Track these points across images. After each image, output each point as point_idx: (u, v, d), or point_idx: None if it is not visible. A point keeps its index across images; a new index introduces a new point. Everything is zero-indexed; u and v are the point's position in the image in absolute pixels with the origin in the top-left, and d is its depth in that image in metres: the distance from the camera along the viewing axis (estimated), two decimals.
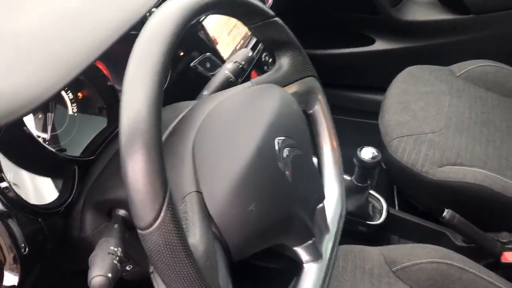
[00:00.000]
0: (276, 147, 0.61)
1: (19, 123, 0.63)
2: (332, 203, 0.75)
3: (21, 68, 0.55)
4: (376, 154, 1.05)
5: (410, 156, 1.22)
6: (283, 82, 0.73)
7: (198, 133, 0.60)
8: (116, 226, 0.59)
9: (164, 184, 0.46)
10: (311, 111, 0.77)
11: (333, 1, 1.65)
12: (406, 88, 1.43)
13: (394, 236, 1.29)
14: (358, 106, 1.72)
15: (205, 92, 0.79)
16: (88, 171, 0.69)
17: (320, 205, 0.70)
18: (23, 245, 0.56)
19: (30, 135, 0.64)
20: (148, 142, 0.45)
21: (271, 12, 0.68)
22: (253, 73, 1.03)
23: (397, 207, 1.38)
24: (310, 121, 0.77)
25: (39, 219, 0.60)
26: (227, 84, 0.79)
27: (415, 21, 1.61)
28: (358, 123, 1.69)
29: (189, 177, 0.56)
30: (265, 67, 1.06)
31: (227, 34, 0.97)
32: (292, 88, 0.74)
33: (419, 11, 1.62)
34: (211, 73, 0.88)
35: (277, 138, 0.61)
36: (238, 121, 0.61)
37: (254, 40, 1.05)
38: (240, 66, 0.79)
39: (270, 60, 1.08)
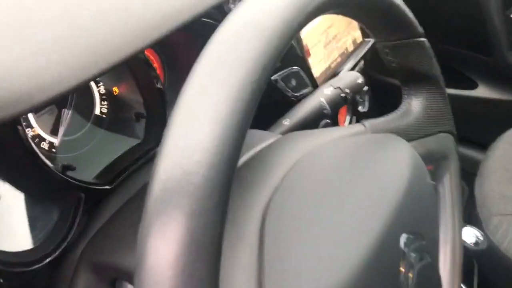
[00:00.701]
0: (401, 250, 0.36)
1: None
2: None
3: (28, 38, 0.33)
4: (482, 239, 0.79)
5: None
6: (410, 134, 0.48)
7: (276, 196, 0.36)
8: None
9: None
10: (434, 183, 0.52)
11: (438, 28, 1.38)
12: None
13: None
14: None
15: (286, 122, 0.55)
16: (98, 207, 0.47)
17: None
18: None
19: (23, 139, 0.42)
20: (201, 234, 0.23)
21: (420, 29, 0.44)
22: None
23: None
24: None
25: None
26: (319, 116, 0.55)
27: None
28: None
29: (248, 276, 0.32)
30: (358, 97, 0.82)
31: (323, 45, 0.74)
32: (419, 146, 0.49)
33: None
34: (295, 94, 0.65)
35: (403, 234, 0.37)
36: (346, 192, 0.37)
37: (354, 59, 0.81)
38: (343, 95, 0.55)
39: (366, 88, 0.83)
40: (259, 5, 0.29)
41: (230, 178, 0.24)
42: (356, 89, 0.57)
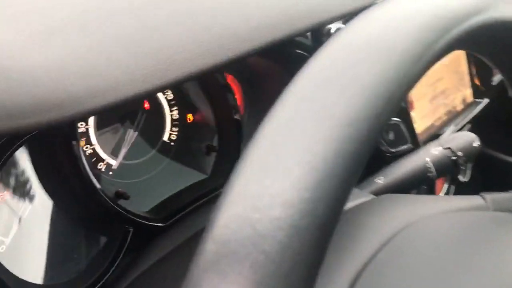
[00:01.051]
0: None
1: (68, 131, 0.36)
2: None
3: (88, 33, 0.27)
4: None
5: None
6: None
7: (366, 275, 0.28)
8: None
9: None
10: None
11: None
12: None
13: None
14: None
15: (380, 181, 0.46)
16: (146, 246, 0.40)
17: None
18: None
19: (76, 156, 0.36)
20: None
21: None
22: None
23: None
24: None
25: None
26: (421, 179, 0.46)
27: None
28: None
29: None
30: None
31: (429, 100, 0.64)
32: None
33: None
34: (391, 149, 0.55)
35: None
36: (464, 283, 0.28)
37: (461, 120, 0.70)
38: (454, 158, 0.45)
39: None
40: (386, 17, 0.21)
41: (321, 253, 0.16)
42: (470, 154, 0.47)
